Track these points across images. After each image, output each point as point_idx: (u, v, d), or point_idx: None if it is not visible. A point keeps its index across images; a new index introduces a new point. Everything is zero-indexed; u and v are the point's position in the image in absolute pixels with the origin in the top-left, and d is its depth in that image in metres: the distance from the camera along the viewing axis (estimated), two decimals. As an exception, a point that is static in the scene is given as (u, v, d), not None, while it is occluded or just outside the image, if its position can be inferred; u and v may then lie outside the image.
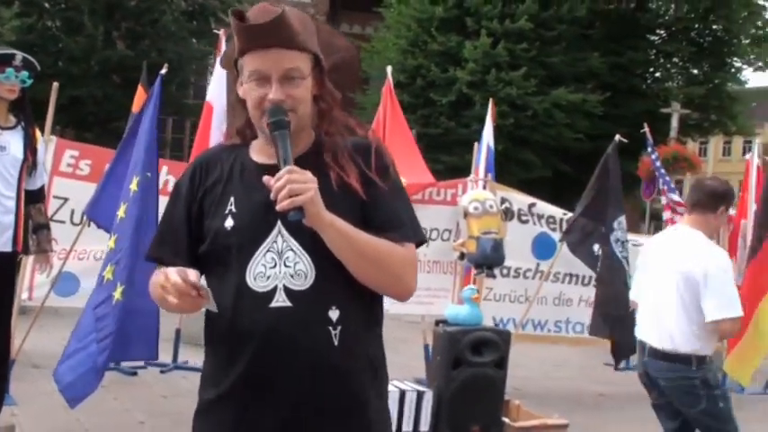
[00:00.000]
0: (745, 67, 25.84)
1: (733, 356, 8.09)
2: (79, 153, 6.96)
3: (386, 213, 2.05)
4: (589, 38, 24.34)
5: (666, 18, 24.48)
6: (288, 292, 1.97)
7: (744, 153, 48.75)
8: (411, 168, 7.52)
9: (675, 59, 25.73)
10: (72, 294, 6.73)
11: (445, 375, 5.72)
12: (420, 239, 2.10)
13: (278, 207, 1.85)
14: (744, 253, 8.72)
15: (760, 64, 25.80)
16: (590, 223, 7.54)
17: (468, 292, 6.01)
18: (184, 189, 2.16)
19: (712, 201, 4.38)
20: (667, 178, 10.30)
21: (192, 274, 1.88)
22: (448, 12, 23.92)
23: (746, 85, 27.25)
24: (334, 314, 1.99)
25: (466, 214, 7.10)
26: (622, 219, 7.52)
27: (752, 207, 8.86)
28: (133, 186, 5.15)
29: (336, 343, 1.98)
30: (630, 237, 7.94)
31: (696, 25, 24.36)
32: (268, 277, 1.97)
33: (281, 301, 1.97)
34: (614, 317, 7.16)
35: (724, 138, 33.44)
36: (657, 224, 20.38)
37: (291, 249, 1.99)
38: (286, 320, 1.96)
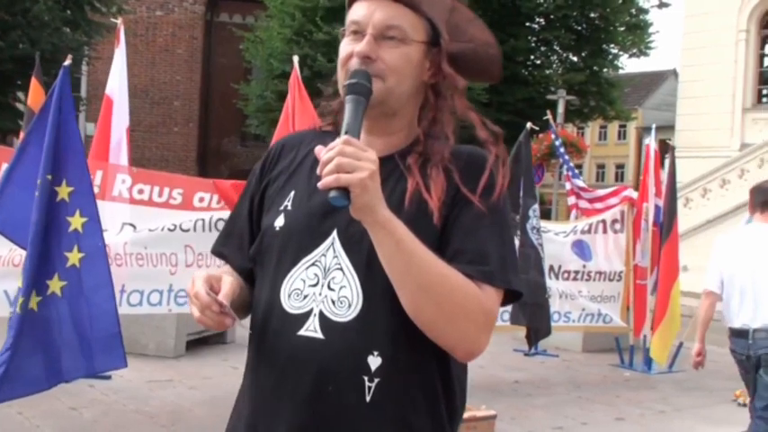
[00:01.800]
0: (621, 53, 26.68)
1: (656, 338, 8.29)
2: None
3: (467, 242, 1.58)
4: (472, 26, 24.54)
5: (546, 6, 25.00)
6: (323, 320, 1.57)
7: (619, 137, 50.81)
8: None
9: (556, 47, 26.32)
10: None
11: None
12: (509, 287, 1.59)
13: (320, 183, 1.42)
14: (647, 235, 8.96)
15: (635, 51, 26.71)
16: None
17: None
18: (254, 176, 1.82)
19: None
20: (571, 164, 10.47)
21: (227, 284, 1.57)
22: (333, 1, 23.68)
23: (621, 71, 28.15)
24: (374, 362, 1.55)
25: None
26: (536, 206, 7.61)
27: (652, 190, 9.10)
28: (37, 191, 4.78)
29: (369, 399, 1.55)
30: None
31: (574, 13, 24.95)
32: (305, 296, 1.60)
33: (311, 329, 1.57)
34: (531, 305, 7.21)
35: (600, 122, 34.54)
36: (545, 210, 20.84)
37: (340, 268, 1.59)
38: (312, 355, 1.56)
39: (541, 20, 26.34)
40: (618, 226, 8.79)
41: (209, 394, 6.88)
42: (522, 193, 7.54)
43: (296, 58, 8.22)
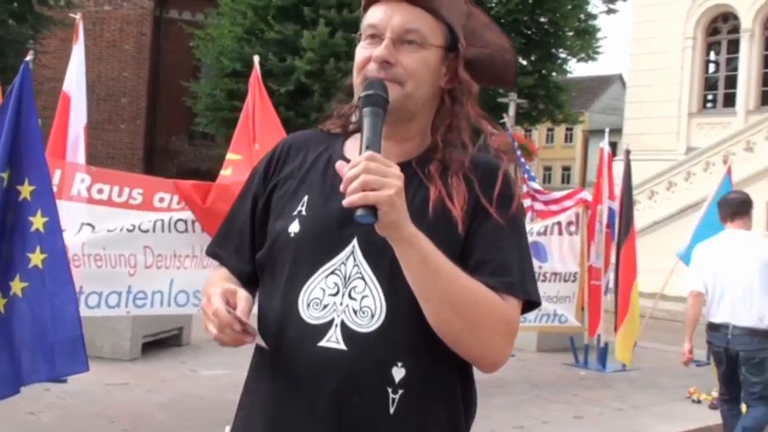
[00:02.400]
0: (569, 58, 27.03)
1: (619, 338, 8.43)
2: None
3: (489, 253, 1.58)
4: (424, 28, 24.65)
5: (497, 10, 25.22)
6: (345, 331, 1.53)
7: (566, 140, 51.46)
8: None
9: (506, 50, 26.56)
10: None
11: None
12: (529, 298, 1.60)
13: (345, 201, 1.39)
14: (601, 236, 9.10)
15: (583, 55, 27.09)
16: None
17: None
18: (257, 176, 1.76)
19: (745, 207, 5.85)
20: (527, 167, 10.57)
21: (243, 300, 1.51)
22: (285, 0, 23.60)
23: (569, 75, 28.53)
24: (398, 373, 1.53)
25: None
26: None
27: (606, 193, 9.25)
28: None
29: (392, 411, 1.53)
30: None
31: (525, 18, 25.21)
32: (325, 306, 1.55)
33: (333, 340, 1.53)
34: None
35: (548, 125, 34.96)
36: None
37: (362, 277, 1.55)
38: (334, 367, 1.52)
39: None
40: (573, 228, 8.90)
41: (167, 397, 6.79)
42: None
43: (256, 58, 8.12)
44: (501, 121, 9.93)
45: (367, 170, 1.39)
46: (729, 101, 19.79)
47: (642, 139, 19.86)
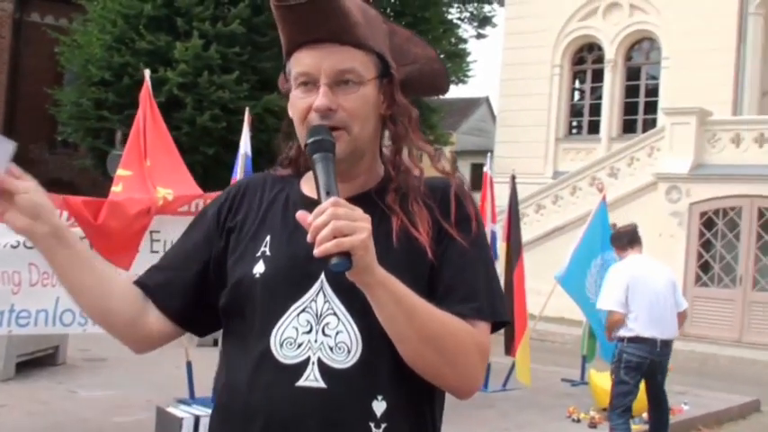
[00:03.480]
0: (440, 80, 27.56)
1: (519, 360, 8.62)
2: None
3: (457, 278, 1.59)
4: (299, 45, 24.68)
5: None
6: (323, 368, 1.52)
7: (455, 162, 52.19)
8: (177, 180, 7.15)
9: (379, 69, 26.84)
10: None
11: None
12: (499, 319, 1.62)
13: (316, 251, 1.37)
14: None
15: (454, 78, 27.71)
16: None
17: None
18: (209, 216, 1.73)
19: (638, 236, 6.88)
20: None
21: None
22: (157, 10, 23.02)
23: (441, 97, 29.07)
24: (379, 407, 1.52)
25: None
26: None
27: (489, 216, 9.50)
28: None
29: None
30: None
31: (398, 38, 25.56)
32: (299, 345, 1.53)
33: (312, 379, 1.51)
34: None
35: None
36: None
37: (334, 313, 1.54)
38: (315, 406, 1.50)
39: (366, 43, 26.83)
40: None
41: (51, 420, 6.49)
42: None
43: (147, 72, 7.95)
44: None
45: (336, 216, 1.38)
46: (594, 128, 20.70)
47: (512, 163, 20.52)
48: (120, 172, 6.96)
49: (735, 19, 17.85)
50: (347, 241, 1.37)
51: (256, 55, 23.25)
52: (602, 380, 8.08)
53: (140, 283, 1.73)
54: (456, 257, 1.60)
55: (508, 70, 20.97)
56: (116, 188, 6.77)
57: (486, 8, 29.89)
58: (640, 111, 20.29)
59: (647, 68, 20.57)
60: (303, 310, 1.55)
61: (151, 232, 6.76)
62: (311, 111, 1.58)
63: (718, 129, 16.09)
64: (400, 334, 1.49)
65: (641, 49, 20.64)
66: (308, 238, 1.39)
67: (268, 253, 1.61)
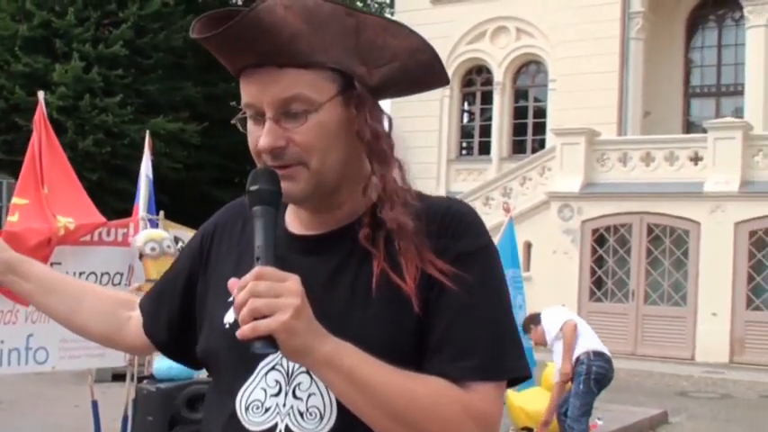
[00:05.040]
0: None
1: None
2: None
3: (450, 332, 1.31)
4: (184, 67, 24.18)
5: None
6: None
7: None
8: (78, 207, 6.73)
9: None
10: None
11: (162, 438, 5.21)
12: (509, 376, 1.34)
13: (238, 334, 1.18)
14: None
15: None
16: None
17: (180, 343, 5.54)
18: (194, 245, 1.57)
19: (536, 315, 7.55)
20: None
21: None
22: (33, 31, 22.16)
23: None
24: None
25: (141, 256, 6.64)
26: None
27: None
28: None
29: None
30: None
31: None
32: (267, 409, 1.32)
33: None
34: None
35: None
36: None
37: (306, 372, 1.31)
38: None
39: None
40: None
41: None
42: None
43: (41, 94, 7.47)
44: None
45: (255, 293, 1.17)
46: (484, 148, 21.00)
47: (405, 184, 20.60)
48: (15, 200, 6.50)
49: (617, 43, 18.48)
50: (264, 324, 1.16)
51: (140, 77, 22.68)
52: (519, 399, 8.05)
53: (140, 304, 1.66)
54: (453, 304, 1.31)
55: (399, 92, 21.04)
56: (12, 218, 6.32)
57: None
58: (529, 132, 20.72)
59: (534, 91, 21.05)
60: (273, 368, 1.34)
61: (52, 264, 6.33)
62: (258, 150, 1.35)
63: (607, 148, 16.55)
64: (361, 413, 1.26)
65: (528, 71, 21.11)
66: (234, 314, 1.21)
67: None
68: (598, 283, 16.12)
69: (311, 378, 1.31)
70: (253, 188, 1.29)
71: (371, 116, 1.37)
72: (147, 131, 8.60)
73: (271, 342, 1.17)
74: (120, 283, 7.01)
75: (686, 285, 15.47)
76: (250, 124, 1.36)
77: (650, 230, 15.79)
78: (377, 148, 1.37)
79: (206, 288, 1.50)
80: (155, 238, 6.77)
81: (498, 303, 1.35)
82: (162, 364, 5.44)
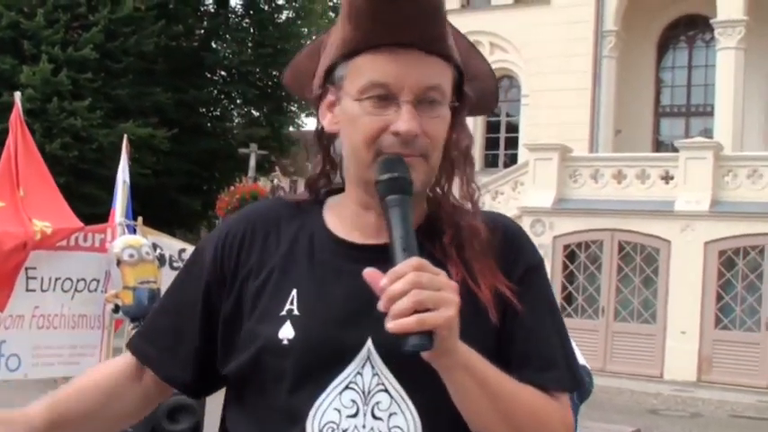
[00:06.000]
0: (299, 112, 27.45)
1: None
2: None
3: (532, 344, 1.30)
4: (154, 72, 23.98)
5: (230, 60, 25.06)
6: None
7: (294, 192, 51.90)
8: (54, 211, 6.59)
9: (238, 100, 26.49)
10: None
11: (141, 450, 5.06)
12: (578, 387, 1.39)
13: (392, 326, 1.09)
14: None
15: (312, 110, 27.66)
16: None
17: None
18: (205, 262, 1.37)
19: None
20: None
21: None
22: (2, 32, 21.86)
23: (303, 129, 28.94)
24: None
25: (119, 262, 6.50)
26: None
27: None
28: None
29: None
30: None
31: (257, 70, 25.30)
32: (344, 431, 1.23)
33: None
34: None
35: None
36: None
37: (385, 389, 1.24)
38: None
39: (224, 73, 26.41)
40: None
41: None
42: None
43: (18, 94, 7.31)
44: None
45: (418, 284, 1.09)
46: (456, 162, 21.01)
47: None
48: (-9, 203, 6.33)
49: (590, 60, 18.63)
50: (430, 319, 1.09)
51: (110, 82, 22.48)
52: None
53: (142, 352, 1.42)
54: (528, 317, 1.31)
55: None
56: (-13, 221, 6.15)
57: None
58: (501, 146, 20.78)
59: (507, 105, 21.12)
60: (347, 387, 1.24)
61: (27, 269, 6.19)
62: (385, 133, 1.25)
63: (579, 165, 16.62)
64: (479, 418, 1.23)
65: (501, 86, 21.17)
66: (381, 305, 1.10)
67: (297, 313, 1.27)
68: (569, 298, 16.15)
69: (390, 397, 1.23)
70: (389, 176, 1.22)
71: (464, 123, 1.36)
72: (126, 136, 8.43)
73: (428, 338, 1.09)
74: (96, 290, 6.86)
75: (656, 303, 15.56)
76: (368, 106, 1.26)
77: (621, 247, 15.87)
78: (470, 154, 1.37)
79: (236, 305, 1.33)
80: (133, 245, 6.64)
81: (560, 317, 1.39)
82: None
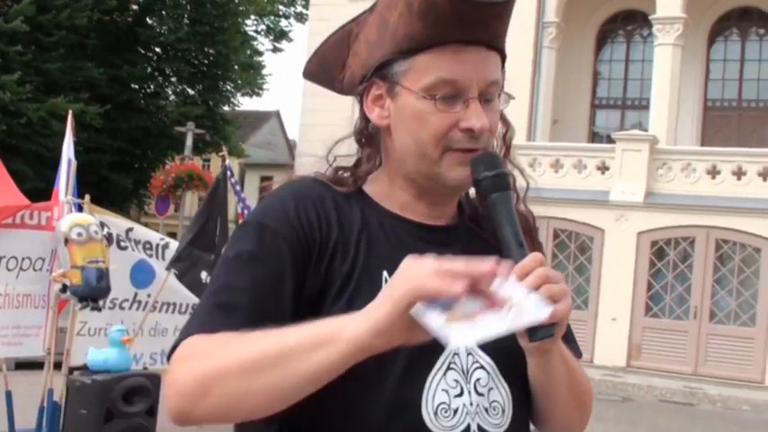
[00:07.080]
0: (235, 91, 27.09)
1: None
2: None
3: None
4: (87, 47, 23.39)
5: (166, 37, 24.57)
6: None
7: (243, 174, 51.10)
8: (1, 189, 6.39)
9: (173, 78, 25.99)
10: None
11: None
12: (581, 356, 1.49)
13: (551, 316, 1.12)
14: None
15: (248, 90, 27.32)
16: (198, 252, 7.21)
17: (117, 333, 5.30)
18: (288, 242, 1.24)
19: None
20: (248, 202, 10.28)
21: None
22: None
23: (237, 109, 28.56)
24: None
25: (67, 241, 6.34)
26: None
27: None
28: None
29: None
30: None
31: (194, 47, 24.86)
32: (455, 411, 1.23)
33: None
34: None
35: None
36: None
37: (481, 366, 1.27)
38: None
39: (159, 50, 25.90)
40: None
41: None
42: (219, 232, 7.23)
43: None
44: (220, 153, 9.55)
45: (547, 279, 1.13)
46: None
47: (313, 179, 20.34)
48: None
49: (530, 51, 18.78)
50: (562, 310, 1.14)
51: (41, 55, 21.85)
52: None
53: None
54: None
55: (308, 116, 20.32)
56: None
57: (284, 22, 29.85)
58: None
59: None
60: (449, 367, 1.25)
61: (-28, 246, 5.98)
62: (454, 129, 1.26)
63: (518, 153, 16.69)
64: (558, 397, 1.32)
65: (441, 72, 21.24)
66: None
67: None
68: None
69: (487, 373, 1.27)
70: (492, 173, 1.24)
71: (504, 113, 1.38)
72: (71, 112, 8.16)
73: (551, 328, 1.15)
74: (41, 269, 6.66)
75: (588, 290, 15.89)
76: (439, 104, 1.25)
77: (556, 235, 16.15)
78: (511, 144, 1.40)
79: (323, 286, 1.25)
80: (81, 223, 6.47)
81: None
82: (96, 356, 5.18)
